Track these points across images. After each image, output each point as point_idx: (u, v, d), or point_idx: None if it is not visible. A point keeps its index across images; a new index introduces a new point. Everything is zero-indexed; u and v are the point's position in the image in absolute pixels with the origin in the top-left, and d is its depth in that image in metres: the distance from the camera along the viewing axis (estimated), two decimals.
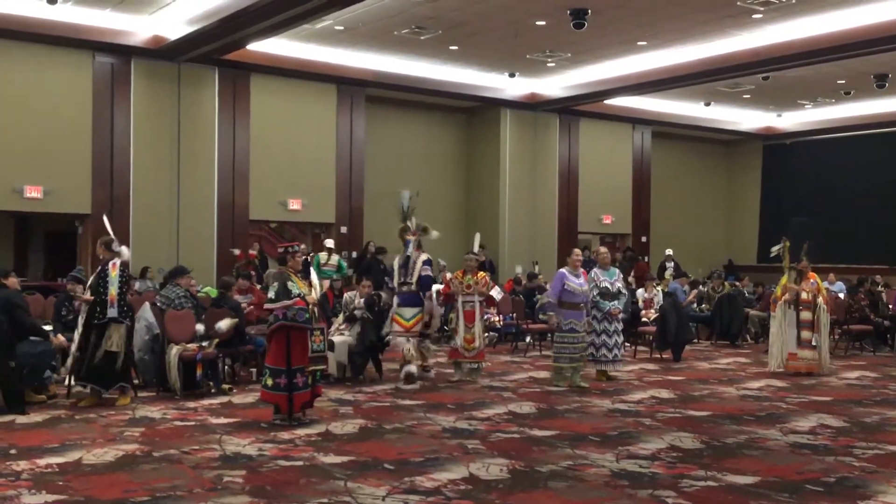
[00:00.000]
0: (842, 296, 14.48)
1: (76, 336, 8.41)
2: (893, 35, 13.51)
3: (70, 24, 13.78)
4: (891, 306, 13.94)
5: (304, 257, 7.97)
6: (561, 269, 10.09)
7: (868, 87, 17.86)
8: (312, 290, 7.71)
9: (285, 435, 7.06)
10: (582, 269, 10.09)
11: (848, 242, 20.29)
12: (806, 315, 10.95)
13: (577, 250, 10.33)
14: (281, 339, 7.47)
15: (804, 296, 10.99)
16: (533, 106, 19.50)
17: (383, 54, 16.18)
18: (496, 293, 11.37)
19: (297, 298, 7.45)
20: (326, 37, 14.99)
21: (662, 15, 13.67)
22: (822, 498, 5.45)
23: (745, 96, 19.79)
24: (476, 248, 11.23)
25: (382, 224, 18.21)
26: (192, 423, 7.59)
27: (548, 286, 12.19)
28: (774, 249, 12.14)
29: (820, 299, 10.99)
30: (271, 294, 7.67)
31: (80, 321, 8.43)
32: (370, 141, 17.95)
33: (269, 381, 7.49)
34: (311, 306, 7.52)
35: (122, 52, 14.70)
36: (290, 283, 7.53)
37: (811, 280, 11.09)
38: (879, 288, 15.45)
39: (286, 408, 7.45)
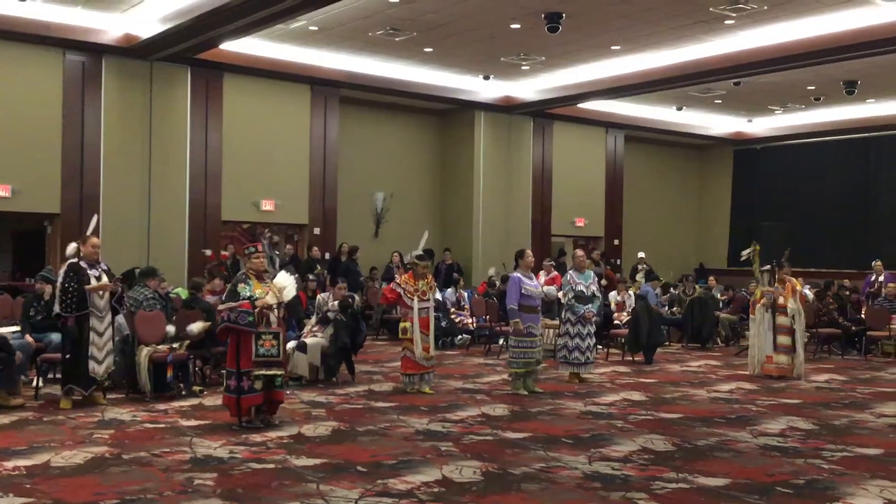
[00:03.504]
0: (809, 296, 14.64)
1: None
2: (863, 42, 13.69)
3: (40, 22, 13.60)
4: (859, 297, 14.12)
5: (264, 258, 7.79)
6: (515, 274, 9.69)
7: (838, 94, 18.08)
8: (272, 293, 7.58)
9: (257, 437, 7.02)
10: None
11: (817, 247, 20.53)
12: (782, 320, 11.07)
13: (528, 251, 9.99)
14: (232, 342, 7.47)
15: (781, 300, 11.11)
16: (507, 109, 19.54)
17: (358, 55, 16.14)
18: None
19: (244, 301, 7.39)
20: (300, 37, 14.93)
21: (636, 20, 13.76)
22: (791, 500, 5.51)
23: (716, 101, 19.97)
24: (421, 249, 10.72)
25: (356, 225, 18.21)
26: (163, 425, 7.52)
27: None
28: (744, 253, 12.27)
29: (796, 304, 11.10)
30: (223, 296, 7.67)
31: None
32: (344, 142, 17.89)
33: (225, 383, 7.55)
34: (258, 309, 7.41)
35: (94, 51, 14.53)
36: (241, 286, 7.48)
37: (790, 285, 11.20)
38: (847, 292, 15.66)
39: (234, 410, 7.41)
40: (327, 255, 16.75)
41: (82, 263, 8.35)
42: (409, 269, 9.89)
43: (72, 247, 8.67)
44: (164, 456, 6.37)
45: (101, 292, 8.36)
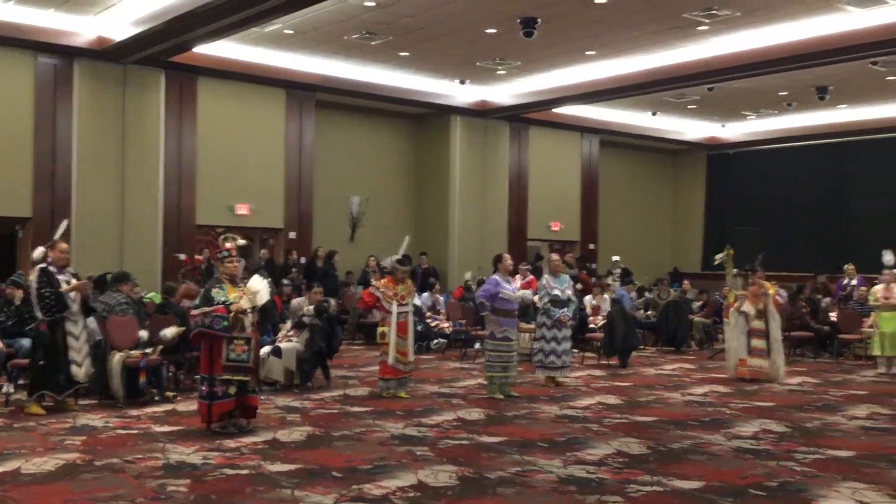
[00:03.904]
0: (781, 301, 14.77)
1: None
2: (835, 48, 13.84)
3: (11, 24, 13.43)
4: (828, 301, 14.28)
5: (236, 263, 7.71)
6: (493, 276, 9.73)
7: (810, 99, 18.28)
8: (246, 297, 7.54)
9: (231, 443, 6.97)
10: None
11: (789, 251, 20.72)
12: (756, 324, 11.16)
13: (507, 255, 10.05)
14: (205, 347, 7.42)
15: (746, 307, 11.20)
16: (483, 113, 19.58)
17: (333, 59, 16.10)
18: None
19: (219, 306, 7.34)
20: (276, 40, 14.87)
21: (610, 26, 13.84)
22: (764, 502, 5.55)
23: (690, 107, 20.12)
24: (401, 254, 10.73)
25: (331, 229, 18.15)
26: (135, 431, 7.45)
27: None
28: (718, 258, 12.37)
29: (771, 308, 11.21)
30: (197, 301, 7.61)
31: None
32: (319, 146, 17.84)
33: (199, 389, 7.51)
34: (232, 314, 7.37)
35: (66, 53, 14.38)
36: (214, 290, 7.43)
37: (764, 289, 11.30)
38: (818, 295, 15.81)
39: (206, 416, 7.36)
40: (303, 260, 16.69)
41: (51, 268, 8.26)
42: (388, 274, 9.87)
43: (39, 251, 8.59)
44: (136, 462, 6.31)
45: (72, 295, 8.29)
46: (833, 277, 17.30)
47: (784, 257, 19.03)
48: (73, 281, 8.41)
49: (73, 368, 8.24)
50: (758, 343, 11.10)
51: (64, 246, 8.49)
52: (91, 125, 14.83)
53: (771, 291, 11.42)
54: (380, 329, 9.56)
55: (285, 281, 13.49)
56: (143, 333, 9.42)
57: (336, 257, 16.38)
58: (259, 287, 7.71)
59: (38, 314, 8.18)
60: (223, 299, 7.38)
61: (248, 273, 8.52)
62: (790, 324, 13.39)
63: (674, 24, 13.72)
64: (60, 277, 8.28)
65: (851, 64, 14.97)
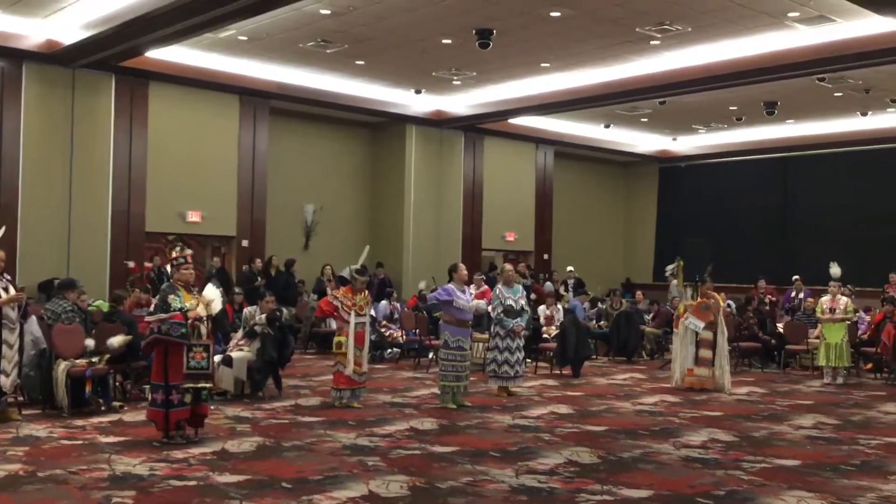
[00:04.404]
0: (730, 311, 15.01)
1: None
2: (783, 65, 14.13)
3: None
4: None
5: (192, 270, 7.65)
6: (448, 285, 9.73)
7: (758, 114, 18.63)
8: (202, 304, 7.47)
9: (178, 454, 6.85)
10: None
11: (739, 262, 21.05)
12: (704, 334, 11.31)
13: (462, 265, 10.07)
14: (159, 354, 7.31)
15: (692, 320, 11.35)
16: (438, 123, 19.62)
17: (288, 66, 16.01)
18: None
19: (176, 313, 7.25)
20: (230, 46, 14.74)
21: (565, 39, 13.97)
22: None
23: (642, 120, 20.38)
24: (360, 264, 10.67)
25: (285, 237, 18.02)
26: (80, 441, 7.30)
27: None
28: (669, 269, 12.51)
29: (721, 319, 11.37)
30: (152, 307, 7.50)
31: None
32: (273, 153, 17.71)
33: (150, 397, 7.37)
34: (190, 321, 7.28)
35: (14, 56, 14.09)
36: (171, 297, 7.32)
37: (713, 300, 11.46)
38: (767, 305, 16.08)
39: (162, 424, 7.25)
40: (244, 268, 16.50)
41: None
42: (345, 284, 9.77)
43: None
44: (81, 473, 6.17)
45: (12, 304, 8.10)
46: (780, 289, 17.62)
47: (733, 269, 19.34)
48: (11, 287, 8.22)
49: (1, 378, 8.02)
50: (705, 353, 11.25)
51: (0, 253, 8.28)
52: (38, 129, 14.55)
53: (721, 303, 11.59)
54: (336, 338, 9.43)
55: (236, 290, 13.32)
56: (90, 342, 9.24)
57: (295, 266, 16.22)
58: (213, 296, 7.65)
59: None
60: (180, 306, 7.28)
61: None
62: (738, 334, 13.60)
63: (627, 39, 13.89)
64: None
65: (799, 80, 15.30)
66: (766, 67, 14.33)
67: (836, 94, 16.88)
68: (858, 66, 14.23)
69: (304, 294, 16.44)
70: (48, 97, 14.67)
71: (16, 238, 14.04)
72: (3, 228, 9.26)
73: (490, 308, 10.48)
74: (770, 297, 16.87)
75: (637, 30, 13.37)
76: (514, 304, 10.22)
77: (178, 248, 7.71)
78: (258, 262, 15.85)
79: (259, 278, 15.22)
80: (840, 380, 12.21)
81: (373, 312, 10.64)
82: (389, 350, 14.05)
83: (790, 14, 12.51)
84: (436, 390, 9.97)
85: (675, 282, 12.26)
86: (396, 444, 7.45)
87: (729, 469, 6.73)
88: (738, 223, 22.75)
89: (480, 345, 12.03)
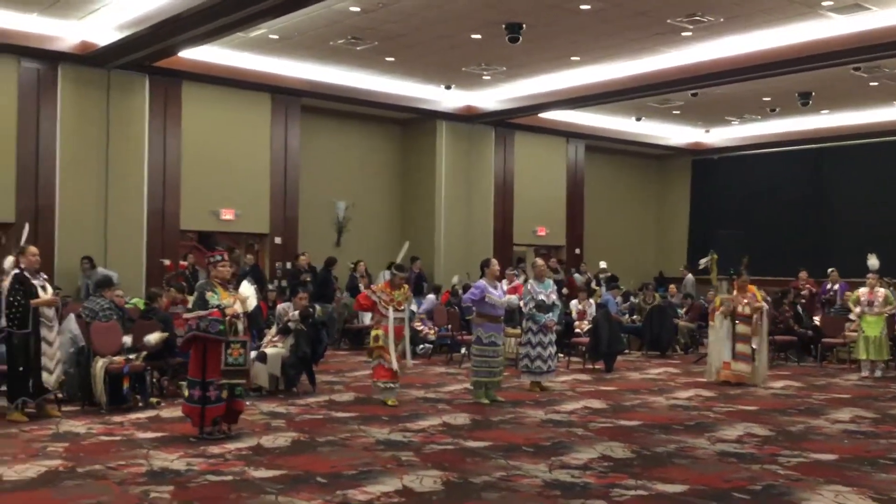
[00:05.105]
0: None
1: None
2: (817, 54, 13.94)
3: None
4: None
5: (230, 267, 7.75)
6: (481, 281, 9.80)
7: (792, 105, 18.40)
8: (238, 301, 7.55)
9: (215, 449, 6.93)
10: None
11: (772, 255, 20.81)
12: (742, 328, 11.19)
13: (494, 260, 10.11)
14: (196, 351, 7.37)
15: (740, 309, 11.24)
16: (468, 118, 19.60)
17: (319, 64, 16.09)
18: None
19: (214, 309, 7.32)
20: (261, 45, 14.85)
21: (595, 32, 13.89)
22: None
23: (674, 112, 20.20)
24: (399, 259, 10.70)
25: (317, 234, 18.12)
26: (118, 437, 7.40)
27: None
28: (702, 262, 12.41)
29: (761, 306, 11.23)
30: (190, 305, 7.58)
31: None
32: (305, 151, 17.81)
33: (186, 393, 7.44)
34: (228, 318, 7.36)
35: (50, 58, 14.31)
36: (208, 294, 7.40)
37: (750, 293, 11.34)
38: (804, 293, 15.88)
39: (198, 421, 7.32)
40: (288, 265, 16.64)
41: (26, 273, 8.21)
42: (389, 280, 9.78)
43: (9, 260, 8.57)
44: (119, 469, 6.26)
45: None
46: (816, 281, 17.40)
47: (768, 261, 19.12)
48: (48, 286, 8.37)
49: (44, 375, 8.16)
50: (742, 348, 11.14)
51: (34, 249, 8.44)
52: (75, 130, 14.76)
53: (759, 296, 11.46)
54: (374, 332, 9.46)
55: (270, 287, 13.42)
56: (127, 339, 9.38)
57: (335, 265, 16.19)
58: (249, 293, 7.75)
59: (3, 322, 8.12)
60: (217, 303, 7.36)
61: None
62: (774, 328, 13.45)
63: (658, 31, 13.78)
64: (35, 282, 8.24)
65: (834, 70, 15.07)
66: (800, 57, 14.14)
67: (871, 84, 16.62)
68: (894, 55, 14.00)
69: (337, 291, 16.50)
70: (84, 98, 14.88)
71: (53, 237, 14.30)
72: (27, 227, 9.45)
73: (522, 303, 10.48)
74: (811, 287, 16.66)
75: (668, 21, 13.26)
76: (545, 299, 10.20)
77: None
78: (302, 259, 15.89)
79: (306, 275, 15.24)
80: (878, 373, 12.05)
81: (414, 307, 10.70)
82: (422, 345, 14.09)
83: (824, 3, 12.34)
84: (468, 385, 9.99)
85: (689, 275, 12.12)
86: (430, 439, 7.48)
87: (765, 464, 6.67)
88: (773, 215, 22.47)
89: (513, 340, 12.03)
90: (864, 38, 13.28)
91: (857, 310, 12.33)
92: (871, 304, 12.24)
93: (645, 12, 12.86)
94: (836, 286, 15.98)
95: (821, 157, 22.32)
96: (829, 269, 16.67)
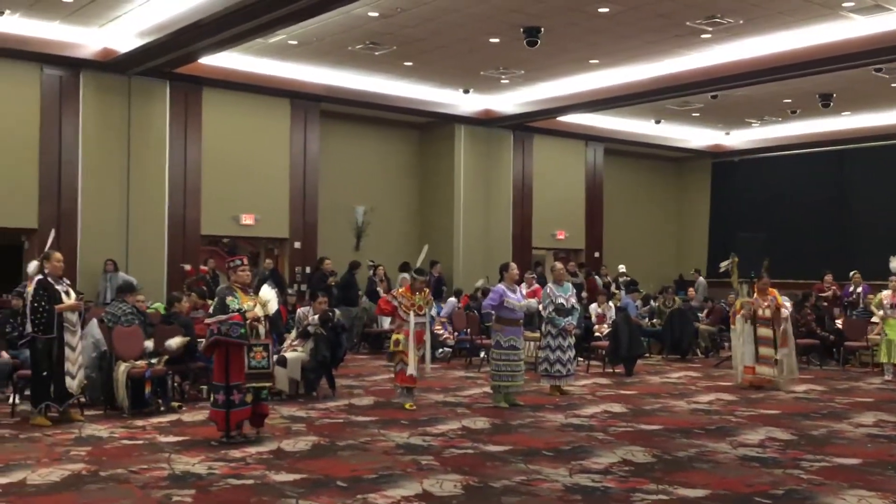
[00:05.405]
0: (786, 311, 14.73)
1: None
2: (838, 56, 13.83)
3: (17, 36, 13.51)
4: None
5: (249, 271, 7.79)
6: (499, 285, 9.83)
7: (813, 107, 18.27)
8: (259, 305, 7.59)
9: (236, 453, 6.97)
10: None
11: (794, 257, 20.68)
12: (764, 332, 11.11)
13: (513, 264, 10.14)
14: (220, 355, 7.42)
15: (761, 312, 11.16)
16: (487, 122, 19.60)
17: (337, 69, 16.15)
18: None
19: (235, 314, 7.36)
20: (280, 51, 14.93)
21: (614, 35, 13.86)
22: None
23: (694, 114, 20.12)
24: (419, 263, 10.66)
25: (336, 238, 18.17)
26: (141, 441, 7.46)
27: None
28: (723, 265, 12.35)
29: (783, 312, 11.13)
30: (211, 309, 7.63)
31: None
32: (324, 155, 17.88)
33: (212, 398, 7.49)
34: (248, 321, 7.40)
35: (71, 65, 14.46)
36: (229, 298, 7.44)
37: (771, 296, 11.26)
38: (828, 293, 15.73)
39: (223, 425, 7.36)
40: (307, 270, 16.69)
41: (50, 279, 8.29)
42: (423, 275, 9.85)
43: (34, 265, 8.66)
44: (141, 473, 6.31)
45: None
46: (840, 284, 17.26)
47: (789, 264, 19.00)
48: (71, 291, 8.45)
49: (67, 380, 8.23)
50: (766, 351, 11.06)
51: (58, 255, 8.52)
52: (96, 136, 14.90)
53: (780, 300, 11.36)
54: (395, 336, 9.52)
55: (290, 291, 13.47)
56: (149, 344, 9.44)
57: (358, 269, 16.19)
58: (269, 296, 7.77)
59: (29, 327, 8.20)
60: (238, 307, 7.41)
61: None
62: (796, 331, 13.35)
63: (677, 33, 13.74)
64: (59, 288, 8.31)
65: (855, 71, 14.96)
66: (821, 59, 14.03)
67: (893, 85, 16.48)
68: None
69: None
70: (105, 104, 15.02)
71: (76, 243, 14.43)
72: (53, 233, 9.54)
73: (541, 307, 10.47)
74: (836, 289, 16.54)
75: (687, 23, 13.21)
76: (564, 303, 10.19)
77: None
78: (327, 263, 15.91)
79: (332, 279, 15.25)
80: None
81: (434, 313, 10.70)
82: (441, 349, 14.09)
83: (844, 4, 12.26)
84: (488, 389, 9.99)
85: (700, 278, 12.05)
86: (449, 443, 7.48)
87: (787, 468, 6.62)
88: (794, 218, 22.32)
89: (532, 343, 12.01)
90: (885, 38, 13.17)
91: (881, 313, 12.23)
92: (893, 306, 12.12)
93: (664, 15, 12.83)
94: (860, 288, 15.84)
95: (842, 158, 22.16)
96: (852, 272, 16.53)
